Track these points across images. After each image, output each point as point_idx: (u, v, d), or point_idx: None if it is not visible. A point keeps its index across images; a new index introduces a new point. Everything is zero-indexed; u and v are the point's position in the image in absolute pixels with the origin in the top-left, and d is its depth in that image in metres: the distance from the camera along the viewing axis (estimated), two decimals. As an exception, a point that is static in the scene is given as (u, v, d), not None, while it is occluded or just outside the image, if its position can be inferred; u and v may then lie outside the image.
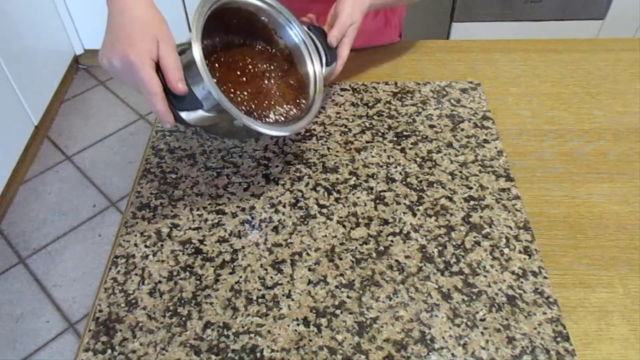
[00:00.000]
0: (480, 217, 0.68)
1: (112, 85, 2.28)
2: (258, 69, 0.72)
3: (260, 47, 0.74)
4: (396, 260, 0.64)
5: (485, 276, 0.62)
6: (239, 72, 0.70)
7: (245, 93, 0.68)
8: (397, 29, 1.02)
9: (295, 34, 0.74)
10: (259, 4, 0.71)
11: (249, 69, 0.70)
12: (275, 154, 0.77)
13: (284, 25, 0.74)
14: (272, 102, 0.69)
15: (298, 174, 0.74)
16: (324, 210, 0.69)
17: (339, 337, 0.57)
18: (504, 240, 0.66)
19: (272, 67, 0.73)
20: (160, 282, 0.63)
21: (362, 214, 0.69)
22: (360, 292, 0.61)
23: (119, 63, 0.58)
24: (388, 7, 0.88)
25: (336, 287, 0.62)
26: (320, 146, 0.78)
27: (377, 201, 0.71)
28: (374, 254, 0.65)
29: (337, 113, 0.83)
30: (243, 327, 0.58)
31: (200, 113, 0.61)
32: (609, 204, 0.71)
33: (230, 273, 0.63)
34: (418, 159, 0.76)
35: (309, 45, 0.74)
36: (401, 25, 1.03)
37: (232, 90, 0.67)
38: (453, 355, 0.56)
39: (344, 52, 0.77)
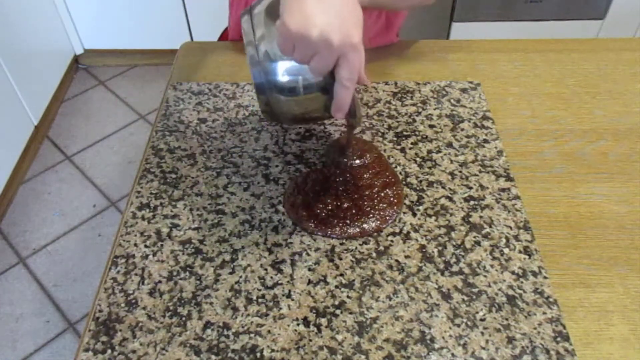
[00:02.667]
0: (480, 217, 0.68)
1: (112, 85, 2.28)
2: None
3: None
4: (396, 260, 0.64)
5: (485, 276, 0.62)
6: None
7: None
8: (397, 29, 1.01)
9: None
10: None
11: None
12: (275, 154, 0.77)
13: None
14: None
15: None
16: (324, 210, 0.69)
17: (339, 337, 0.57)
18: (504, 240, 0.66)
19: None
20: (160, 282, 0.63)
21: (362, 214, 0.69)
22: (360, 292, 0.61)
23: (339, 40, 0.50)
24: (377, 8, 0.86)
25: (336, 287, 0.62)
26: (320, 146, 0.78)
27: (377, 201, 0.70)
28: (374, 254, 0.65)
29: (337, 113, 0.83)
30: (243, 327, 0.58)
31: None
32: (609, 204, 0.71)
33: (230, 273, 0.63)
34: (418, 159, 0.76)
35: None
36: (400, 26, 1.03)
37: None
38: (453, 355, 0.56)
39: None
